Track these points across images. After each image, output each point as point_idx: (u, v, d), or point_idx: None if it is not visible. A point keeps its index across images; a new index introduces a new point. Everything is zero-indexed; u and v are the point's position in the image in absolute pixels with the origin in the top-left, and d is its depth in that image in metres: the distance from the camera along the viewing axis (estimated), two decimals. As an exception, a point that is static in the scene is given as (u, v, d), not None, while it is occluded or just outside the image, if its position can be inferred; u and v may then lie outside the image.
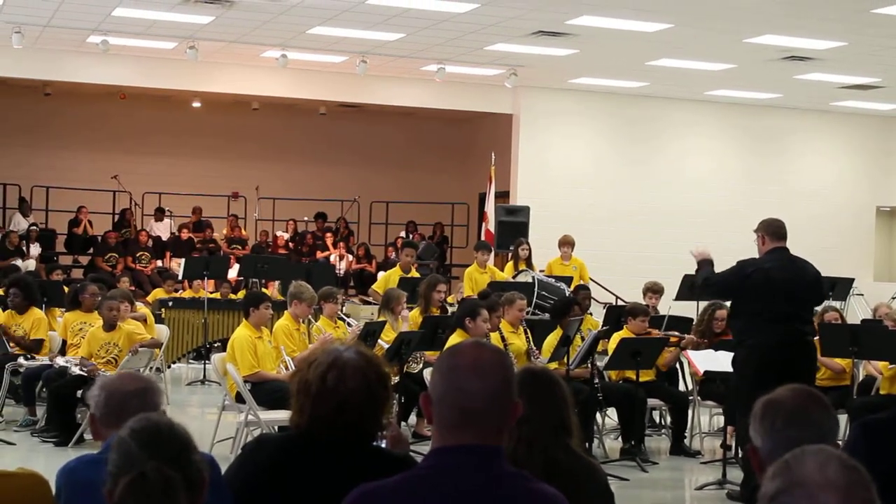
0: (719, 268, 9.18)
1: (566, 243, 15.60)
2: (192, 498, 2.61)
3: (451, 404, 2.73)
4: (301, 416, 3.31)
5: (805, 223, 20.77)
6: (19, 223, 20.68)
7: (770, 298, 8.38)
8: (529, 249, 15.03)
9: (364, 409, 3.26)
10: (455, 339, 9.60)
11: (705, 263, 9.13)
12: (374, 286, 14.69)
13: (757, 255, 8.77)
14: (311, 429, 3.28)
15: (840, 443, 3.11)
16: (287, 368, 9.72)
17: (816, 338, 10.05)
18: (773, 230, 8.68)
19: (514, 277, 14.41)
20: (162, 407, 3.49)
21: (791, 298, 8.44)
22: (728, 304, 11.45)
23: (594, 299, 14.39)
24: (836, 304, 14.76)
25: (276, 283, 16.55)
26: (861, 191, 22.85)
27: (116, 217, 21.99)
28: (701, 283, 9.06)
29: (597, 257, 17.41)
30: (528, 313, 11.56)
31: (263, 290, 15.72)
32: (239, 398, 9.36)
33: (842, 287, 16.73)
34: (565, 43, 16.63)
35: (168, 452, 2.64)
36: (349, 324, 11.14)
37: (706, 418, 11.62)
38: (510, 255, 15.54)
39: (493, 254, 15.92)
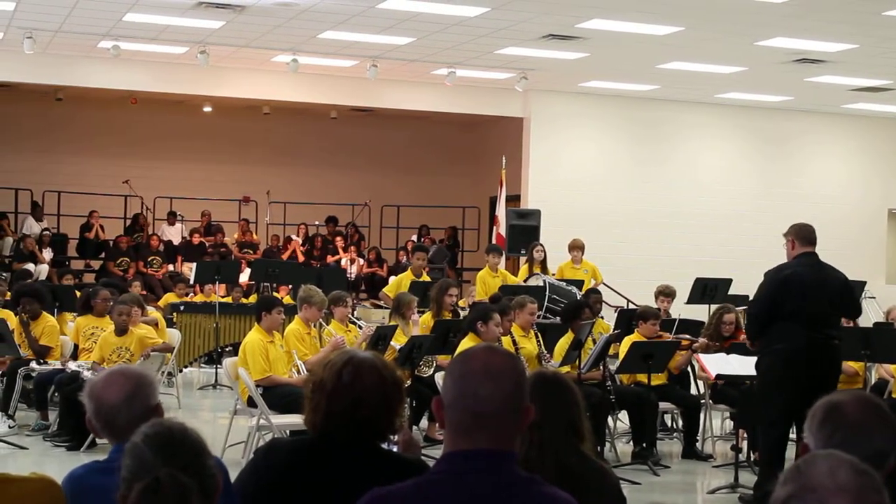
0: (728, 272, 9.18)
1: (576, 247, 15.60)
2: (213, 498, 2.61)
3: (463, 409, 2.73)
4: (316, 414, 3.32)
5: (817, 226, 20.53)
6: (32, 227, 20.74)
7: (800, 303, 8.35)
8: (544, 252, 15.03)
9: (378, 407, 3.28)
10: (467, 343, 9.60)
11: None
12: (385, 289, 14.70)
13: (784, 259, 8.77)
14: (326, 426, 3.29)
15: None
16: (299, 373, 9.72)
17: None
18: (803, 235, 8.68)
19: (525, 281, 14.40)
20: (156, 401, 3.43)
21: (820, 303, 8.42)
22: (740, 308, 11.48)
23: (605, 303, 14.39)
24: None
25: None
26: (873, 193, 22.80)
27: (128, 221, 22.04)
28: (755, 335, 8.89)
29: (608, 261, 17.40)
30: (539, 317, 11.55)
31: (275, 294, 15.75)
32: (251, 402, 9.36)
33: (855, 290, 16.66)
34: (576, 46, 16.63)
35: (182, 458, 2.63)
36: (360, 326, 11.14)
37: (718, 422, 11.60)
38: (525, 258, 15.53)
39: (504, 257, 15.92)
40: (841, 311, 8.86)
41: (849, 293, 8.80)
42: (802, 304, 8.34)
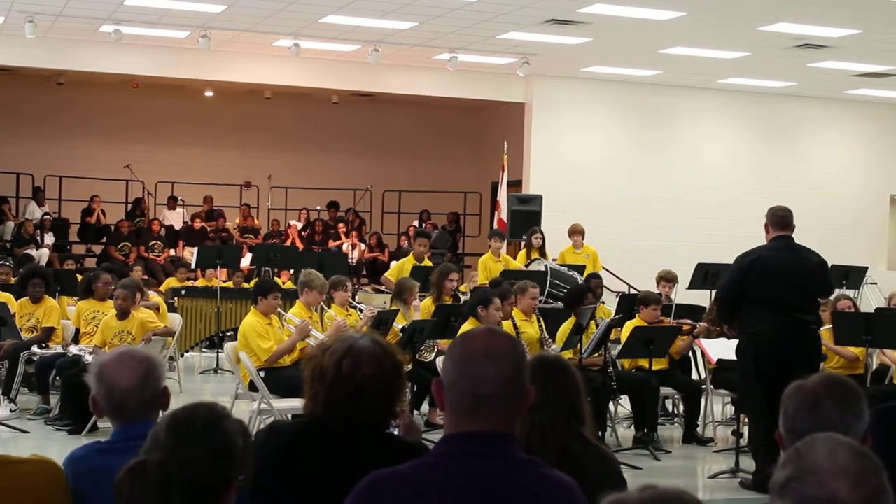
0: (730, 258, 9.21)
1: (576, 232, 15.59)
2: (204, 499, 2.56)
3: (463, 391, 2.73)
4: (315, 403, 3.31)
5: (818, 211, 20.73)
6: (34, 212, 20.74)
7: (770, 286, 8.37)
8: (543, 238, 15.02)
9: (378, 397, 3.27)
10: (467, 327, 9.60)
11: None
12: (386, 274, 14.70)
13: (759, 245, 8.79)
14: (325, 415, 3.29)
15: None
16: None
17: (827, 328, 10.05)
18: (776, 219, 8.66)
19: (526, 266, 14.40)
20: (163, 384, 3.41)
21: (791, 287, 8.41)
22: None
23: (606, 288, 14.38)
24: (850, 292, 14.72)
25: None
26: (875, 179, 22.79)
27: (129, 206, 22.04)
28: (726, 316, 8.97)
29: (609, 246, 17.39)
30: (540, 302, 11.55)
31: (276, 279, 15.75)
32: (252, 387, 9.38)
33: (855, 275, 16.68)
34: (578, 31, 16.60)
35: (194, 446, 2.58)
36: (360, 311, 11.12)
37: (719, 407, 11.61)
38: (523, 243, 15.52)
39: (505, 242, 15.92)
40: (816, 295, 8.81)
41: (821, 274, 8.73)
42: (769, 288, 8.35)
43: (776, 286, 8.36)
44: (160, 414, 3.42)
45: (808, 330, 8.54)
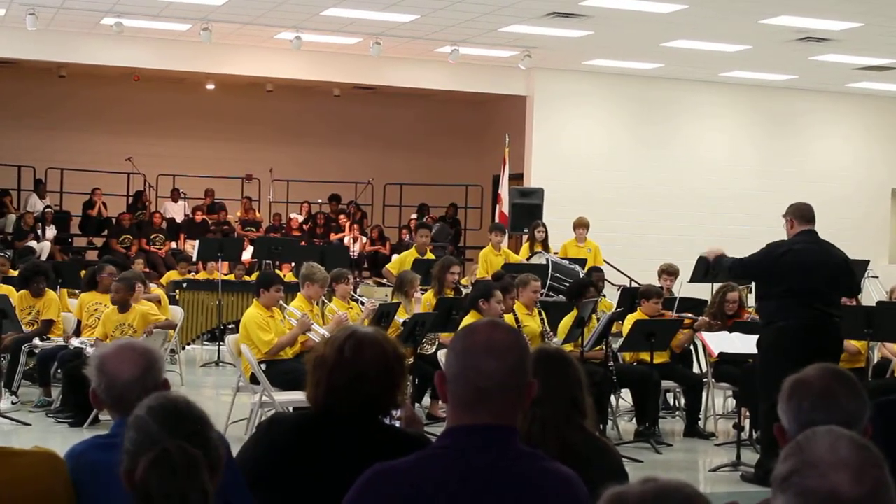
0: (732, 251, 9.21)
1: (581, 225, 15.60)
2: (211, 476, 2.60)
3: (465, 383, 2.73)
4: (318, 389, 3.31)
5: (820, 205, 20.45)
6: (35, 205, 20.74)
7: (799, 279, 8.36)
8: (546, 231, 15.02)
9: (381, 381, 3.27)
10: (469, 320, 9.59)
11: (720, 258, 9.14)
12: (388, 266, 14.70)
13: (784, 238, 8.78)
14: (328, 401, 3.28)
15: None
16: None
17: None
18: (801, 213, 8.70)
19: (528, 259, 14.40)
20: (163, 376, 3.40)
21: (819, 280, 8.42)
22: (743, 286, 11.49)
23: (608, 281, 14.37)
24: (851, 286, 14.69)
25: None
26: (877, 172, 22.76)
27: (130, 199, 22.04)
28: (727, 270, 9.03)
29: (611, 239, 17.38)
30: (542, 295, 11.55)
31: (278, 271, 15.75)
32: (253, 379, 9.38)
33: (857, 269, 16.64)
34: (579, 24, 16.58)
35: (187, 430, 2.62)
36: (362, 304, 11.12)
37: (720, 400, 11.61)
38: (526, 237, 15.53)
39: (507, 236, 15.92)
40: (840, 289, 8.84)
41: (848, 272, 8.78)
42: (801, 280, 8.35)
43: (807, 279, 8.37)
44: None
45: (834, 323, 8.55)
